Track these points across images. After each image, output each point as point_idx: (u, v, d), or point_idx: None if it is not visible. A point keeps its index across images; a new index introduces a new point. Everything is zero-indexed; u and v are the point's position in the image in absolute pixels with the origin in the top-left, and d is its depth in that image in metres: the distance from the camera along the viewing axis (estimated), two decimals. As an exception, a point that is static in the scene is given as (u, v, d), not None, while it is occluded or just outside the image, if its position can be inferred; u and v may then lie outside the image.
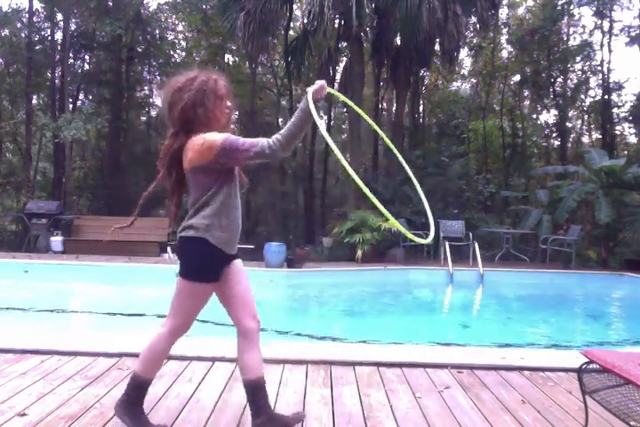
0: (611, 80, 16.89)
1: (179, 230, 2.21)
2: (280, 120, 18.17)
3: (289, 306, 7.24)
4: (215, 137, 2.09)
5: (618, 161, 10.97)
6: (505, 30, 18.08)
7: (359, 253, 9.84)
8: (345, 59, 15.30)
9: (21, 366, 3.13)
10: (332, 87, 14.79)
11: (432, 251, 10.57)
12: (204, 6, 15.13)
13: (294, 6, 15.12)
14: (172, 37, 17.84)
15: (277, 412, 2.41)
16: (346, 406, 2.67)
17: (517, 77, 18.71)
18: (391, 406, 2.69)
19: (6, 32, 14.65)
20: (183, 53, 18.60)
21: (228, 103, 2.24)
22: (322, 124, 2.18)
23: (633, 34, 15.96)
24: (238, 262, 2.33)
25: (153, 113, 18.80)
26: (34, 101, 16.71)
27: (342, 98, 2.49)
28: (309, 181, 16.68)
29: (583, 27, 17.84)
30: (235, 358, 3.34)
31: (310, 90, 2.06)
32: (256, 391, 2.25)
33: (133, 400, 2.29)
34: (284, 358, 3.33)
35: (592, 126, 20.03)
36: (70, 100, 15.34)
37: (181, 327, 2.27)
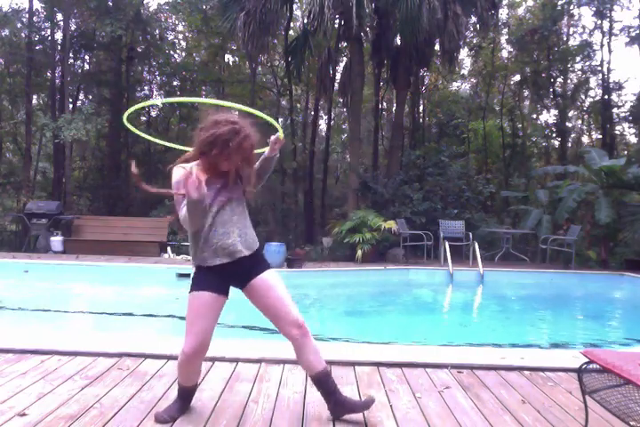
0: (611, 80, 16.90)
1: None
2: (280, 120, 18.13)
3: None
4: (174, 175, 2.32)
5: (618, 161, 10.94)
6: (505, 30, 18.07)
7: (359, 253, 9.85)
8: (345, 59, 15.29)
9: (21, 366, 3.13)
10: (332, 87, 14.81)
11: (432, 251, 10.55)
12: (204, 6, 15.12)
13: (294, 6, 15.12)
14: (172, 37, 17.84)
15: (348, 397, 2.51)
16: (346, 406, 2.66)
17: (517, 77, 18.72)
18: (391, 406, 2.69)
19: (6, 32, 14.64)
20: (183, 53, 18.61)
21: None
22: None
23: (633, 34, 15.97)
24: (265, 275, 2.51)
25: (153, 113, 18.81)
26: (34, 101, 16.71)
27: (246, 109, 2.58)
28: (309, 181, 16.67)
29: (583, 27, 17.87)
30: (235, 359, 3.36)
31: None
32: (320, 383, 2.48)
33: None
34: (284, 358, 3.32)
35: (592, 126, 20.03)
36: (70, 100, 15.34)
37: None
